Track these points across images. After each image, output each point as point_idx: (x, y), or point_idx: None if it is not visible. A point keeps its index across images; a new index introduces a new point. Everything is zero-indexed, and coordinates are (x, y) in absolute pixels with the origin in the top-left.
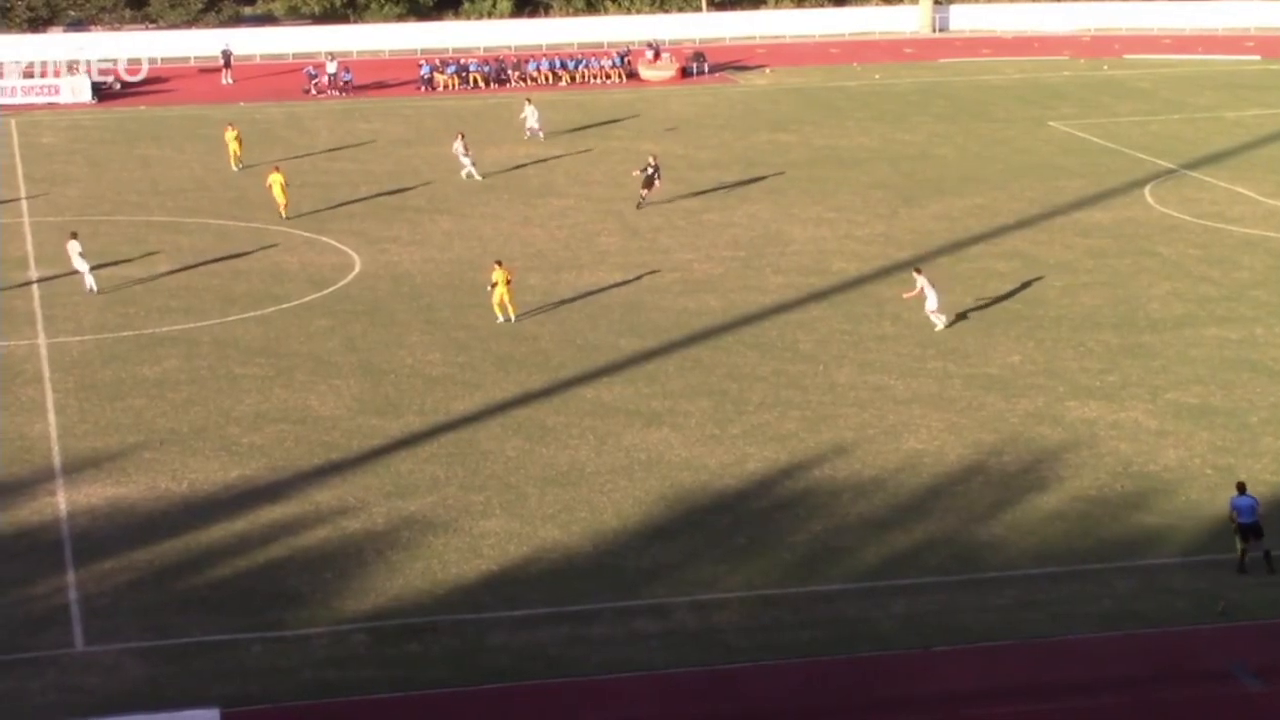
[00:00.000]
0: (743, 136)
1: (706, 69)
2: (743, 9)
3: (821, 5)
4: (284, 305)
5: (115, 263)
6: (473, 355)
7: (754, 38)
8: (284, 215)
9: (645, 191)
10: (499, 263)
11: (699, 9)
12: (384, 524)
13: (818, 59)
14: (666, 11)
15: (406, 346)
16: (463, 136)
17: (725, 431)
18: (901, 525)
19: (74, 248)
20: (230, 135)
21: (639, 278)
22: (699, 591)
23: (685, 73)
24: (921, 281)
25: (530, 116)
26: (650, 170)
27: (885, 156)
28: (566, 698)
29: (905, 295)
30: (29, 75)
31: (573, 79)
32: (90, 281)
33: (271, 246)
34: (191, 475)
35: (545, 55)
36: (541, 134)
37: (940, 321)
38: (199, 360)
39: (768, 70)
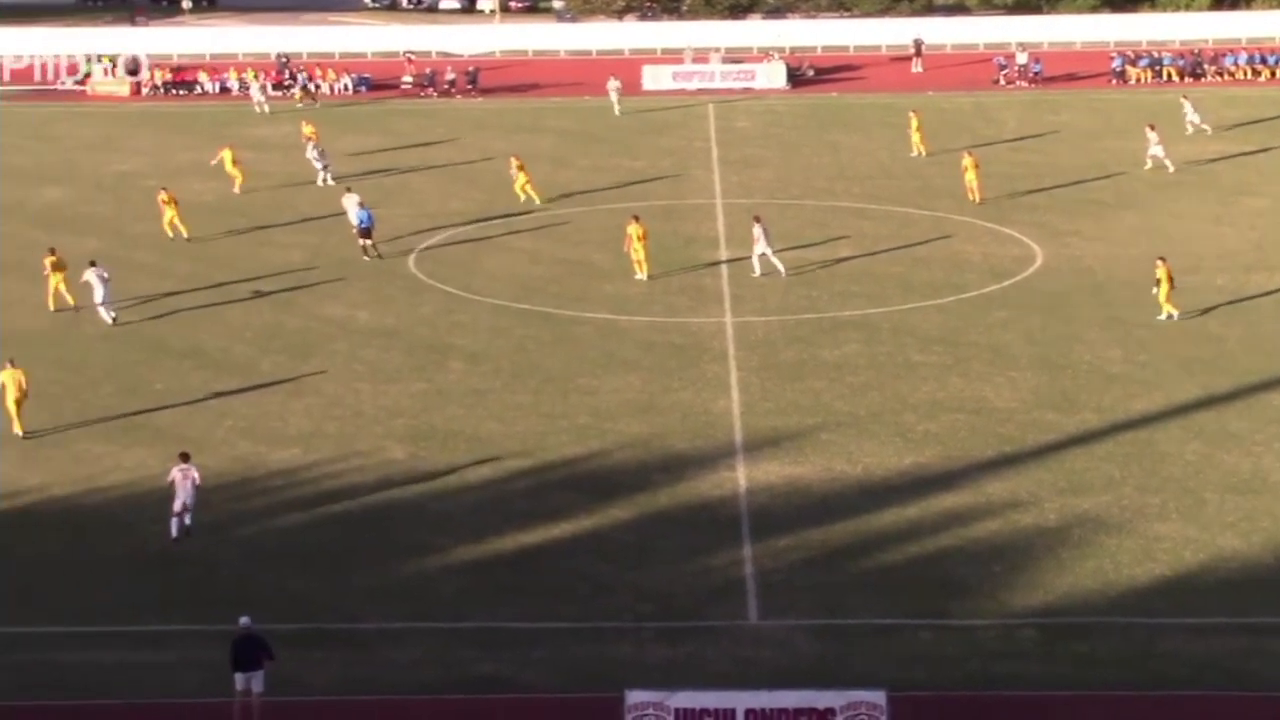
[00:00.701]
0: None
1: None
2: None
3: None
4: (963, 295)
5: (799, 246)
6: (1154, 354)
7: None
8: (975, 200)
9: None
10: (1162, 259)
11: None
12: (1056, 520)
13: None
14: None
15: (1085, 342)
16: (1154, 128)
17: None
18: None
19: (759, 232)
20: (913, 123)
21: None
22: None
23: None
24: None
25: (1188, 110)
26: None
27: None
28: (1240, 711)
29: None
30: (729, 61)
31: (1273, 74)
32: (756, 265)
33: (953, 236)
34: (866, 459)
35: (1244, 49)
36: (1205, 128)
37: None
38: (878, 346)
39: None
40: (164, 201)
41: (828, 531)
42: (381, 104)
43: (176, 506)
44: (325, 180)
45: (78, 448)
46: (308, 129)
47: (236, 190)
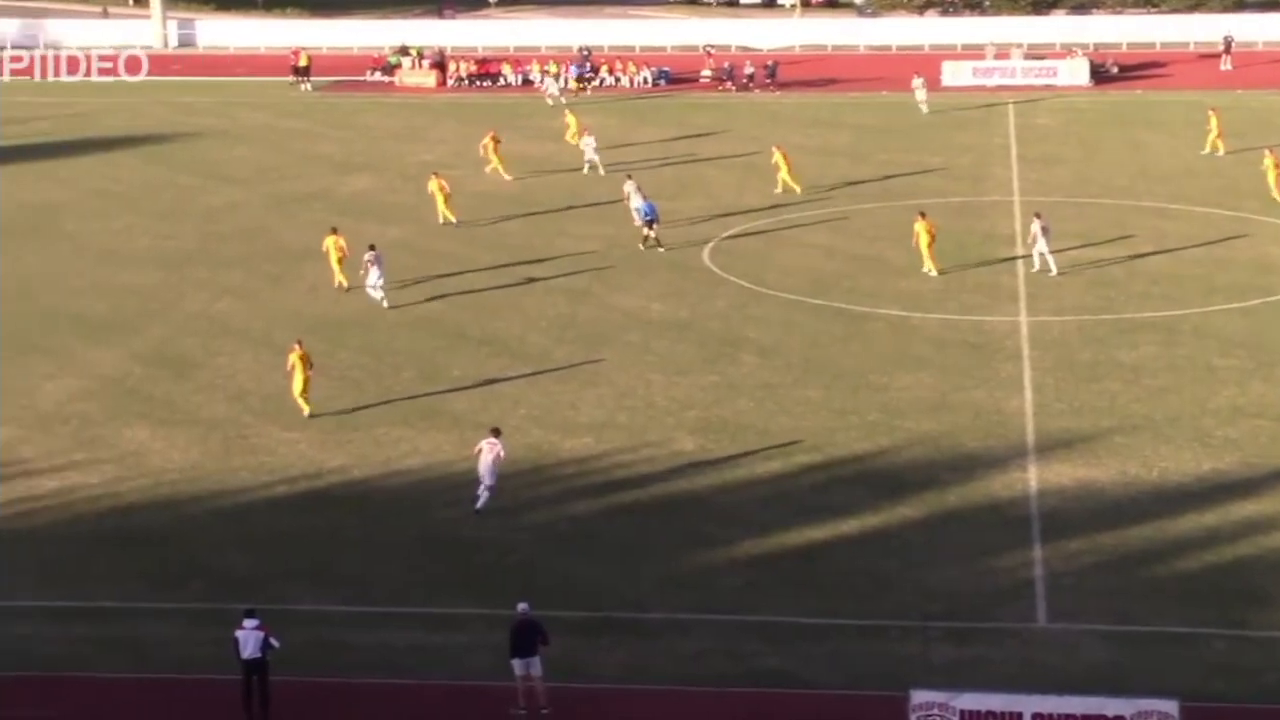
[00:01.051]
0: None
1: None
2: None
3: None
4: (1269, 298)
5: (1096, 244)
6: None
7: None
8: (1278, 199)
9: None
10: None
11: None
12: None
13: None
14: None
15: None
16: None
17: None
18: None
19: (1036, 228)
20: (1213, 120)
21: None
22: None
23: None
24: None
25: None
26: None
27: None
28: None
29: None
30: (1030, 57)
31: None
32: (1050, 263)
33: (1258, 237)
34: (1162, 464)
35: None
36: None
37: None
38: (1177, 348)
39: None
40: (434, 190)
41: (1121, 536)
42: (680, 97)
43: (486, 480)
44: (588, 169)
45: (377, 431)
46: (572, 120)
47: (502, 175)
